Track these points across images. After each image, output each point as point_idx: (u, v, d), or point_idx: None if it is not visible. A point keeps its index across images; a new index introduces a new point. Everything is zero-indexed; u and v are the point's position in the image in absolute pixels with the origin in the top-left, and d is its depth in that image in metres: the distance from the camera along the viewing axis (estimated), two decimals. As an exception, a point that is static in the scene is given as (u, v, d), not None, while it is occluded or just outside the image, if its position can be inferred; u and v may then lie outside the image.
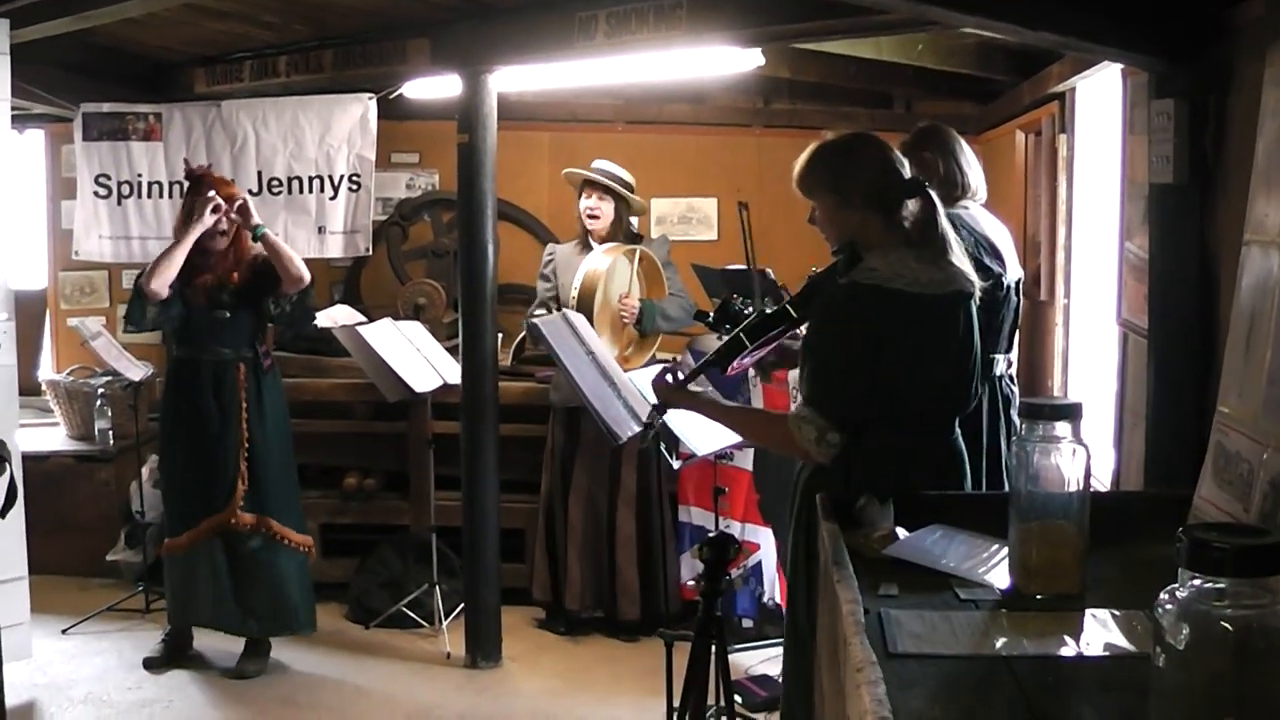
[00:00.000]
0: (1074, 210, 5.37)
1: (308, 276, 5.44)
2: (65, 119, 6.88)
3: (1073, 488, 2.55)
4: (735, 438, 4.97)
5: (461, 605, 6.11)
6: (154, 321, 5.46)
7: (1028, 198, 5.99)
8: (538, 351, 6.46)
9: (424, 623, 6.13)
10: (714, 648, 3.39)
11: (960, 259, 3.29)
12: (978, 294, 3.32)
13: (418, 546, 6.31)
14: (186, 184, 5.55)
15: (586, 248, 6.09)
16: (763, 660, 5.60)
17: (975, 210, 4.31)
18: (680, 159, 7.50)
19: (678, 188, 7.52)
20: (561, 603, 6.15)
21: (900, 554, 2.81)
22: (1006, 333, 4.34)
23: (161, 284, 5.32)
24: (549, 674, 5.69)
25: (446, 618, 6.03)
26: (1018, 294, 4.38)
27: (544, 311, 5.98)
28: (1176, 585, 1.70)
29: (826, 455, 3.18)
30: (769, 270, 5.18)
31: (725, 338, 3.50)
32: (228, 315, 5.44)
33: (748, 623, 5.91)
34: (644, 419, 4.30)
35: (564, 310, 4.97)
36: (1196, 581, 1.67)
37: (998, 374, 4.28)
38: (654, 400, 4.70)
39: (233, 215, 5.36)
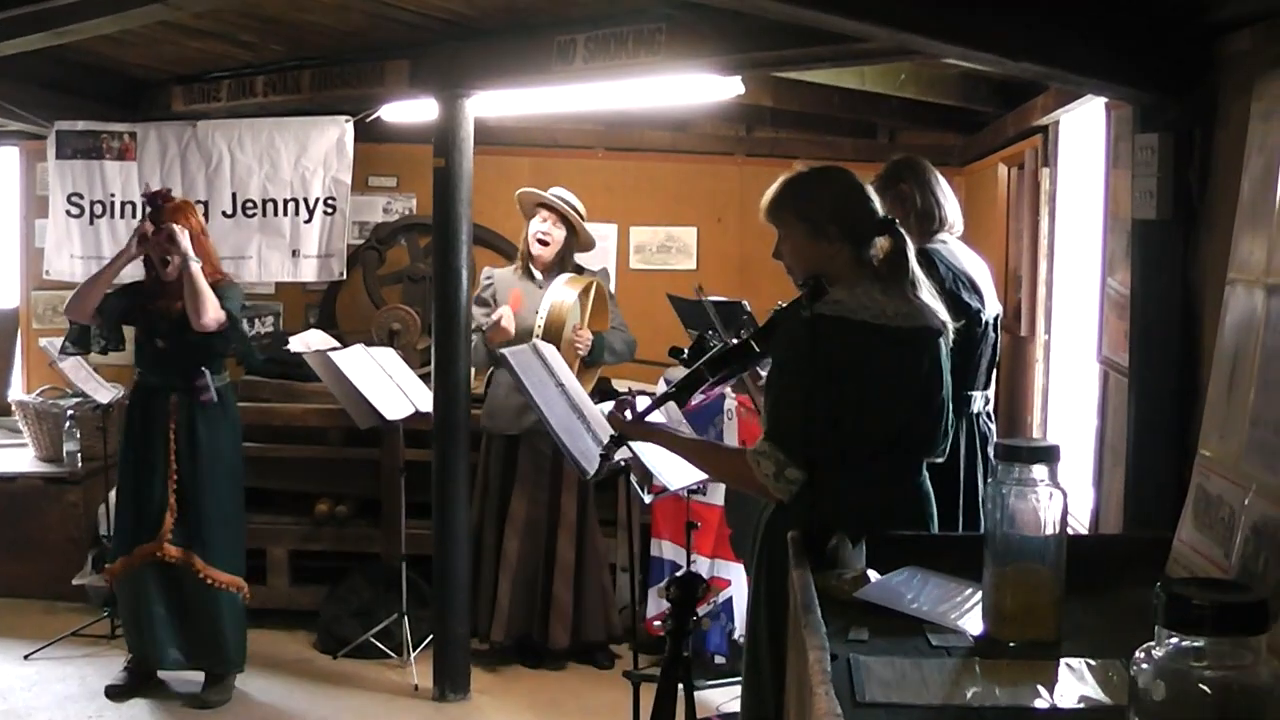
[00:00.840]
0: (1055, 244, 5.32)
1: (214, 322, 5.28)
2: (40, 136, 6.81)
3: (1049, 531, 2.48)
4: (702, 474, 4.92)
5: (430, 636, 6.02)
6: (84, 345, 5.49)
7: (1009, 231, 5.94)
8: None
9: (392, 653, 6.03)
10: (681, 687, 3.29)
11: (929, 297, 3.24)
12: (950, 332, 3.26)
13: (388, 575, 6.21)
14: (144, 206, 5.48)
15: (528, 274, 6.01)
16: (733, 698, 5.50)
17: (953, 244, 4.26)
18: (661, 186, 7.45)
19: (658, 216, 7.47)
20: (483, 632, 6.03)
21: (871, 597, 2.73)
22: (984, 369, 4.28)
23: (79, 310, 5.36)
24: (518, 707, 5.60)
25: (415, 648, 5.92)
26: (996, 330, 4.33)
27: (478, 336, 5.88)
28: (1153, 643, 1.63)
29: (785, 492, 3.11)
30: (745, 302, 5.11)
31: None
32: (160, 345, 5.37)
33: (719, 659, 5.81)
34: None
35: (534, 341, 4.89)
36: (1174, 639, 1.60)
37: (975, 411, 4.22)
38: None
39: (164, 244, 5.27)
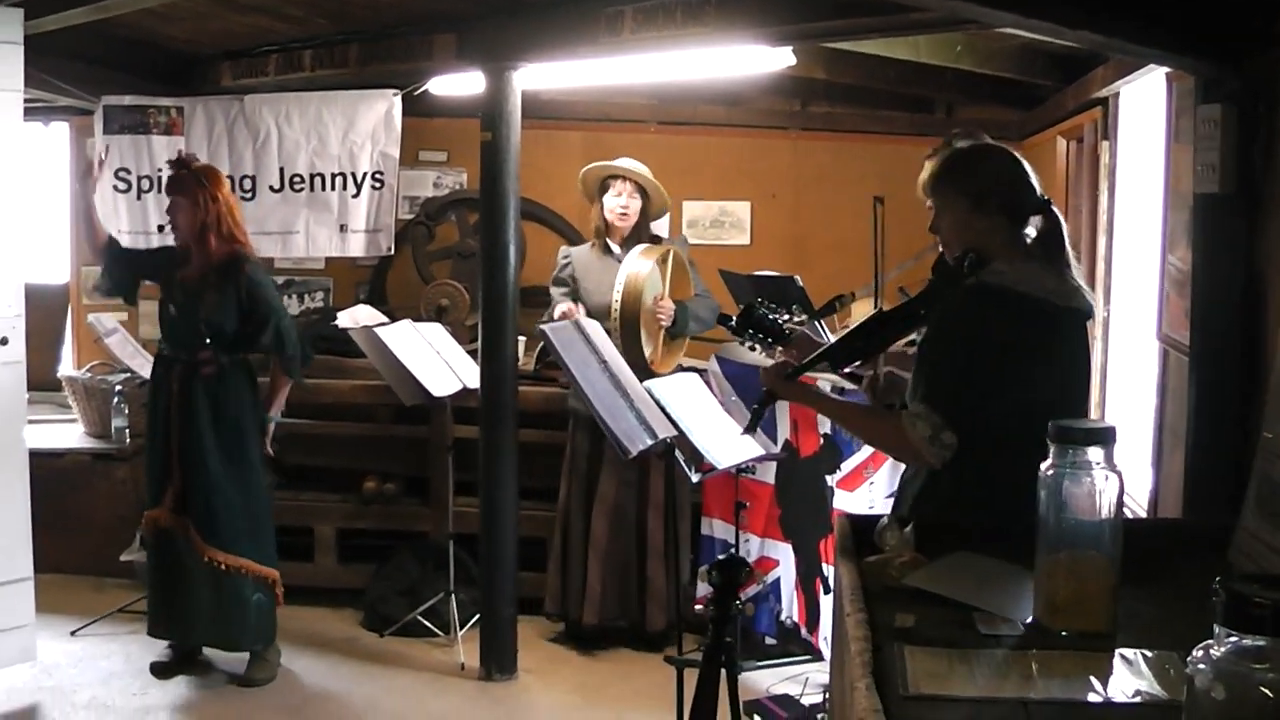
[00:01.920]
0: (1115, 220, 5.19)
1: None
2: (89, 111, 6.79)
3: (1104, 516, 2.38)
4: (758, 450, 4.84)
5: (478, 615, 5.98)
6: (104, 288, 5.61)
7: (1068, 206, 5.80)
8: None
9: (439, 632, 5.99)
10: (724, 674, 3.22)
11: (1080, 279, 3.21)
12: (1093, 312, 3.26)
13: (436, 553, 6.17)
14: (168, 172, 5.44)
15: (606, 250, 5.92)
16: (783, 680, 5.43)
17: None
18: (714, 161, 7.36)
19: (711, 191, 7.38)
20: (574, 616, 5.97)
21: (921, 584, 2.65)
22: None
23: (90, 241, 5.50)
24: (565, 688, 5.54)
25: (463, 627, 5.88)
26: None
27: (572, 305, 5.83)
28: (1212, 641, 1.53)
29: (939, 457, 3.06)
30: (798, 278, 5.02)
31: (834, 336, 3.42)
32: (173, 311, 5.33)
33: (770, 640, 5.73)
34: (658, 432, 4.18)
35: (577, 317, 4.81)
36: (1234, 639, 1.51)
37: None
38: (674, 411, 4.59)
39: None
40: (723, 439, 4.60)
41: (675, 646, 5.80)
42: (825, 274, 6.40)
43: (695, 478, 4.60)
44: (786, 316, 3.73)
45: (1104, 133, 5.22)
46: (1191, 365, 3.59)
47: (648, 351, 5.62)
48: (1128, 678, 2.17)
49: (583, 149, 7.12)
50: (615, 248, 5.89)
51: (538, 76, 5.59)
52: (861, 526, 2.91)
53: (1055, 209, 3.25)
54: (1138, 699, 2.07)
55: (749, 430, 3.61)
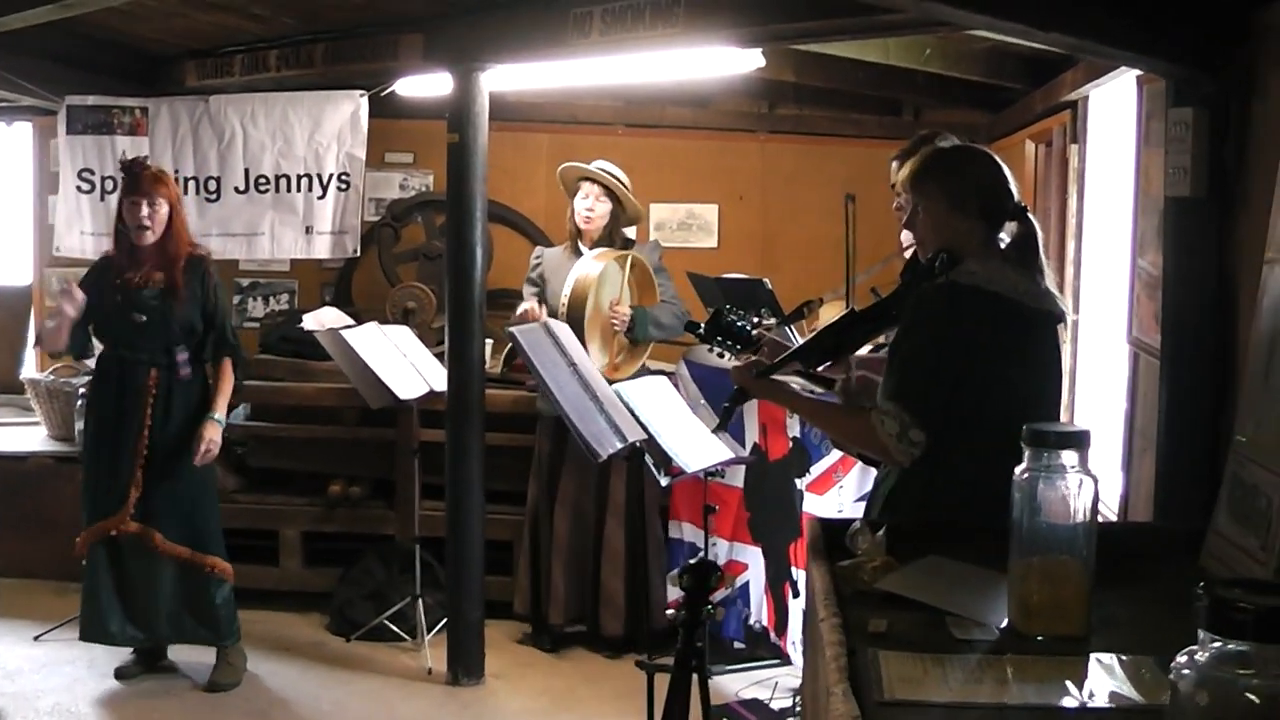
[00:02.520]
0: (1084, 223, 5.19)
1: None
2: (53, 111, 6.72)
3: (1078, 520, 2.37)
4: (727, 453, 4.83)
5: (444, 619, 5.94)
6: (75, 351, 5.45)
7: (1036, 209, 5.79)
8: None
9: (406, 636, 5.95)
10: (695, 678, 3.19)
11: (1052, 285, 3.23)
12: (1064, 317, 3.27)
13: (402, 557, 6.12)
14: (121, 176, 5.36)
15: (577, 252, 5.90)
16: (752, 684, 5.42)
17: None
18: (681, 164, 7.34)
19: (678, 193, 7.37)
20: (544, 618, 5.96)
21: (894, 588, 2.64)
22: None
23: (53, 346, 5.36)
24: (533, 693, 5.51)
25: (430, 631, 5.84)
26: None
27: (534, 304, 5.81)
28: (1195, 647, 1.52)
29: (907, 455, 3.06)
30: (766, 280, 5.00)
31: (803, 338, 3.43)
32: (144, 319, 5.23)
33: (737, 645, 5.71)
34: (627, 435, 4.15)
35: (544, 319, 4.78)
36: (1217, 644, 1.49)
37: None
38: (642, 414, 4.57)
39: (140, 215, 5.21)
40: (692, 442, 4.58)
41: (635, 652, 5.85)
42: (793, 276, 6.40)
43: (664, 481, 4.57)
44: (756, 321, 3.72)
45: (1073, 136, 5.22)
46: (1163, 368, 3.59)
47: (593, 353, 5.58)
48: (1103, 682, 2.16)
49: (550, 151, 7.09)
50: (585, 250, 5.86)
51: (505, 78, 5.55)
52: (833, 530, 2.90)
53: (1031, 216, 3.27)
54: (1114, 704, 2.07)
55: (720, 429, 3.60)
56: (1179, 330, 3.49)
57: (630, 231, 6.04)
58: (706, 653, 4.53)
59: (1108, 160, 5.03)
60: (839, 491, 5.10)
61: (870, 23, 4.08)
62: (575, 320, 5.49)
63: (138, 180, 5.21)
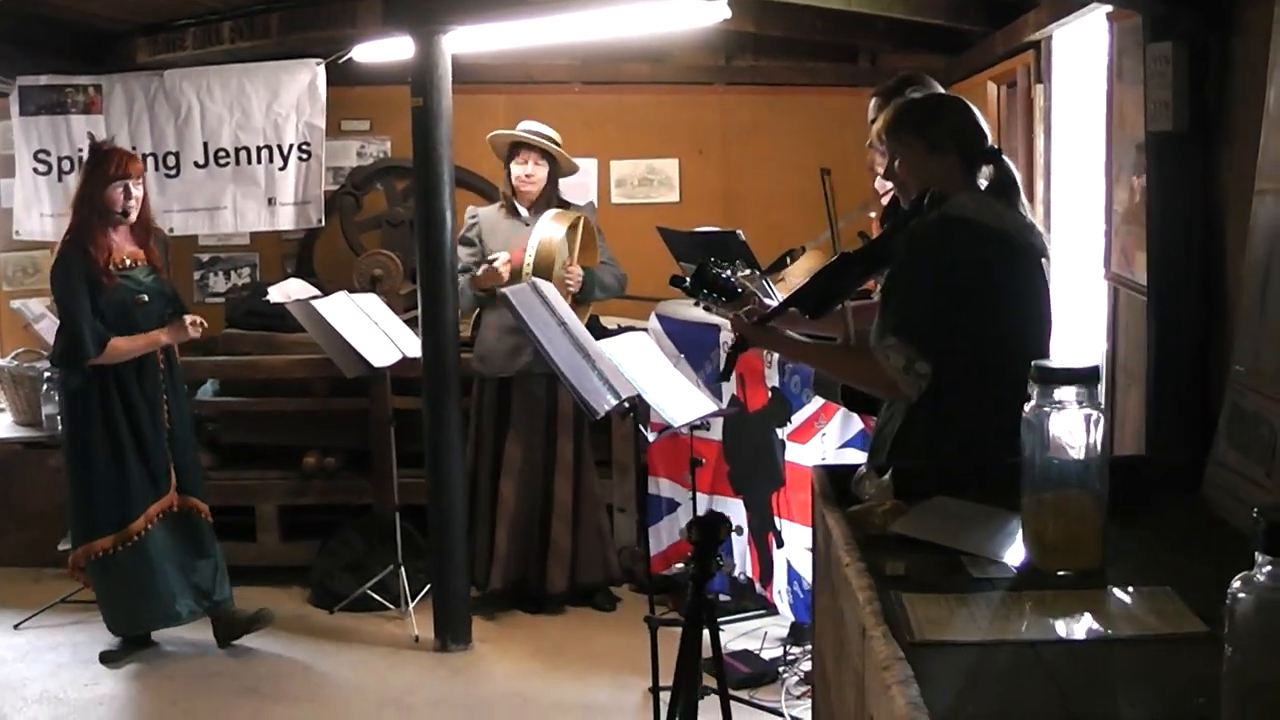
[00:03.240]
0: (1052, 162, 5.21)
1: None
2: (3, 94, 6.60)
3: (1090, 456, 2.39)
4: (711, 406, 4.83)
5: (428, 586, 5.93)
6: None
7: (1002, 150, 5.81)
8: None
9: (390, 605, 5.93)
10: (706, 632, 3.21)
11: (1037, 220, 3.29)
12: (1049, 251, 3.31)
13: (381, 526, 6.10)
14: (89, 158, 5.30)
15: (513, 212, 5.88)
16: (740, 635, 5.45)
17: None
18: (640, 119, 7.31)
19: (638, 149, 7.34)
20: (480, 580, 5.96)
21: (909, 530, 2.65)
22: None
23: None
24: (522, 655, 5.51)
25: (413, 599, 5.83)
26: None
27: (466, 278, 5.78)
28: (1252, 571, 1.53)
29: (914, 387, 3.08)
30: (740, 232, 4.99)
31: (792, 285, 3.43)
32: (145, 299, 5.22)
33: (723, 598, 5.72)
34: (620, 392, 4.14)
35: (533, 279, 4.75)
36: (1273, 567, 1.51)
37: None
38: (627, 371, 4.56)
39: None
40: (676, 397, 4.57)
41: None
42: (758, 227, 6.36)
43: (651, 437, 4.57)
44: (740, 273, 3.71)
45: (1037, 76, 5.23)
46: (1150, 303, 3.61)
47: None
48: (1125, 614, 2.19)
49: (507, 112, 7.02)
50: (523, 210, 5.87)
51: (467, 39, 5.49)
52: (838, 476, 2.91)
53: (1006, 158, 3.30)
54: (1137, 633, 2.09)
55: (723, 378, 3.60)
56: (1165, 265, 3.51)
57: (577, 188, 6.05)
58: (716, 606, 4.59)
59: (1073, 99, 5.06)
60: (821, 439, 5.10)
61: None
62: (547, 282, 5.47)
63: (121, 162, 5.16)
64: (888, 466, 2.85)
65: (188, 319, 5.27)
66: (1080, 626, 2.14)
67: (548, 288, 4.53)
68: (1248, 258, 2.87)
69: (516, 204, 5.88)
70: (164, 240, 5.43)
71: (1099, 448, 2.40)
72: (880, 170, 5.16)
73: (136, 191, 5.18)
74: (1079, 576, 2.36)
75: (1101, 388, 2.43)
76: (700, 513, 5.47)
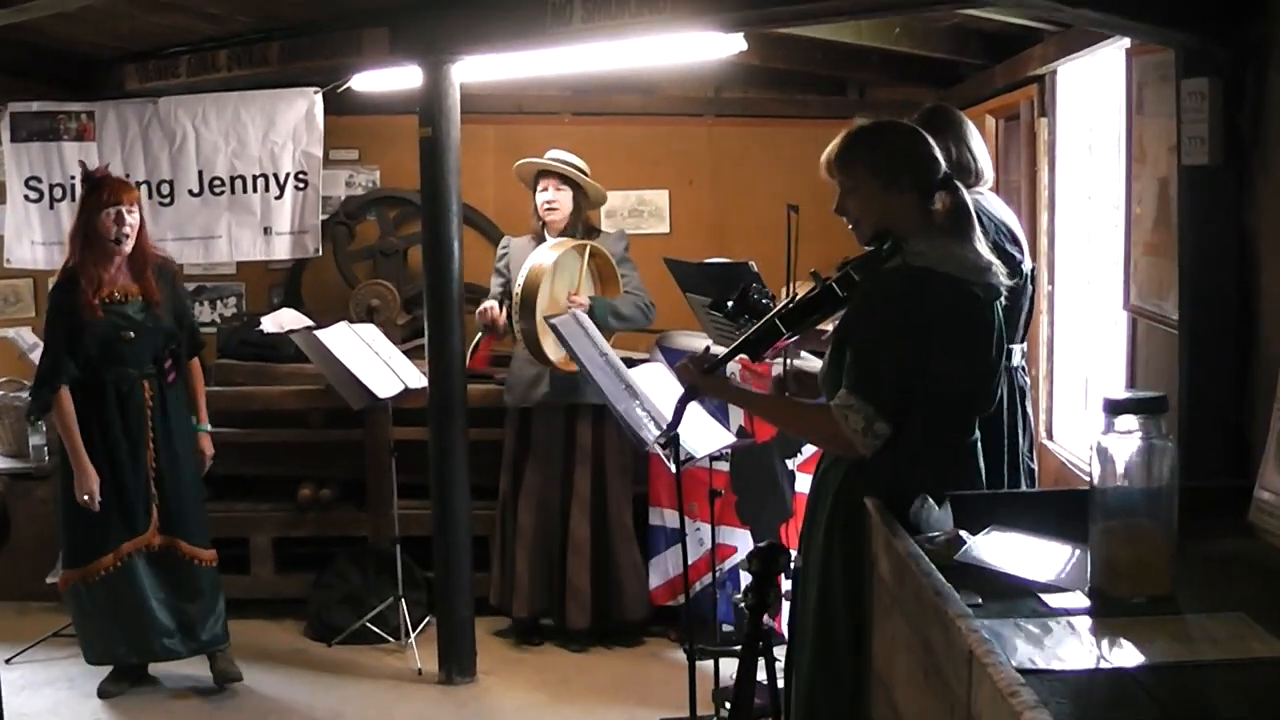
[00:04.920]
0: (1056, 196, 5.27)
1: None
2: (-7, 121, 6.53)
3: (1159, 484, 2.42)
4: (730, 438, 4.84)
5: (427, 619, 5.90)
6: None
7: (998, 184, 5.87)
8: (498, 351, 6.26)
9: (389, 638, 5.87)
10: (763, 662, 3.20)
11: (990, 252, 3.20)
12: (1004, 289, 3.21)
13: (378, 558, 6.05)
14: (83, 186, 5.25)
15: (540, 241, 5.87)
16: (748, 665, 5.43)
17: (989, 197, 4.18)
18: (630, 150, 7.32)
19: (628, 180, 7.33)
20: (506, 608, 5.95)
21: (974, 560, 2.67)
22: (1023, 322, 4.21)
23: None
24: (529, 687, 5.47)
25: (413, 631, 5.78)
26: (1032, 282, 4.26)
27: (494, 304, 5.79)
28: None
29: (871, 447, 3.06)
30: (752, 263, 5.00)
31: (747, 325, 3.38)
32: (133, 335, 5.12)
33: (727, 627, 5.72)
34: (660, 421, 4.14)
35: (574, 311, 4.75)
36: None
37: (1014, 364, 4.14)
38: (649, 403, 4.56)
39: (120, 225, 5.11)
40: (695, 429, 4.58)
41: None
42: (747, 258, 6.41)
43: (673, 468, 4.55)
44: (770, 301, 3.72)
45: (1040, 110, 5.30)
46: (1183, 335, 3.65)
47: (547, 345, 5.54)
48: (1210, 639, 2.21)
49: (497, 143, 7.05)
50: (549, 239, 5.84)
51: (476, 69, 5.48)
52: (895, 507, 2.92)
53: (959, 184, 3.23)
54: (1230, 657, 2.12)
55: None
56: (1198, 295, 3.56)
57: (602, 222, 6.04)
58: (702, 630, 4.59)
59: (1078, 132, 5.12)
60: (832, 470, 5.13)
61: (866, 2, 4.09)
62: (528, 310, 5.47)
63: (114, 189, 5.09)
64: (944, 497, 2.87)
65: (207, 453, 5.42)
66: (1168, 651, 2.16)
67: (586, 319, 4.53)
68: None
69: (545, 233, 5.87)
70: (172, 271, 5.30)
71: (1167, 476, 2.43)
72: None
73: (130, 219, 5.07)
74: (1151, 603, 2.38)
75: (1167, 418, 2.45)
76: (706, 543, 5.54)
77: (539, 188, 5.85)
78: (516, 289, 5.55)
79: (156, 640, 5.24)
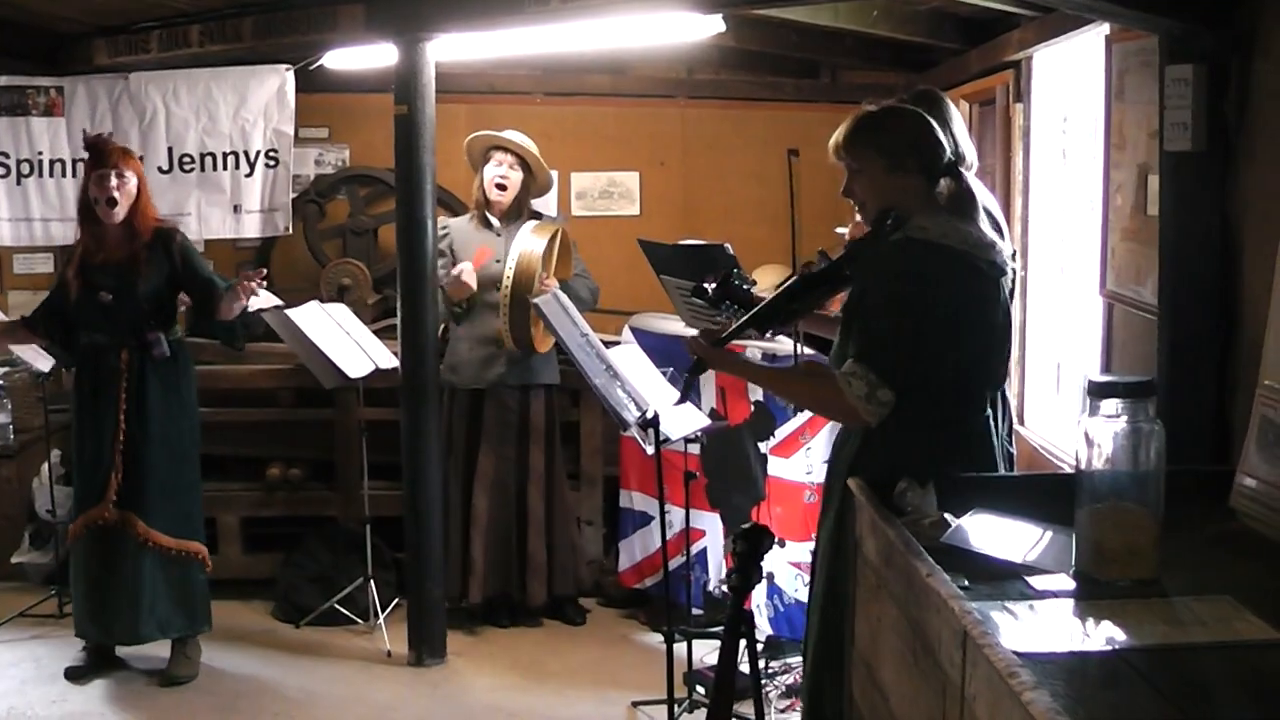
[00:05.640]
0: (1031, 181, 5.29)
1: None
2: (-39, 95, 6.43)
3: (1147, 467, 2.43)
4: (704, 420, 4.83)
5: (395, 600, 5.88)
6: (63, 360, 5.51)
7: (958, 162, 5.88)
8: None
9: (358, 619, 5.84)
10: (745, 644, 3.20)
11: (993, 235, 3.24)
12: (1008, 269, 3.25)
13: (347, 538, 6.02)
14: (86, 154, 5.17)
15: (485, 223, 5.83)
16: (712, 650, 5.42)
17: (971, 181, 4.17)
18: (601, 131, 7.29)
19: (599, 161, 7.31)
20: (456, 594, 5.88)
21: (958, 542, 2.68)
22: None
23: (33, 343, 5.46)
24: (500, 669, 5.46)
25: (382, 612, 5.76)
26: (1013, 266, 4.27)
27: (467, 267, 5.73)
28: None
29: (876, 415, 3.09)
30: (728, 245, 4.99)
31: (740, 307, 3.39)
32: (109, 298, 5.07)
33: (696, 611, 5.71)
34: (641, 404, 4.13)
35: (554, 291, 4.73)
36: None
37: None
38: (630, 384, 4.55)
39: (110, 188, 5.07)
40: (670, 410, 4.57)
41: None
42: (719, 237, 6.40)
43: (649, 450, 4.55)
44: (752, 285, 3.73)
45: (1016, 95, 5.31)
46: (1163, 320, 3.67)
47: (537, 333, 5.58)
48: (1197, 621, 2.23)
49: (467, 122, 6.98)
50: (494, 221, 5.81)
51: (450, 47, 5.45)
52: (879, 489, 2.92)
53: (963, 170, 3.32)
54: (1220, 640, 2.13)
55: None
56: (1180, 281, 3.57)
57: (540, 204, 6.02)
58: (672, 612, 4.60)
59: (1055, 119, 5.13)
60: (806, 454, 5.13)
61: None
62: (521, 297, 5.44)
63: (104, 154, 5.04)
64: (927, 479, 2.87)
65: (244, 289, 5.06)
66: (1157, 634, 2.17)
67: (566, 299, 4.51)
68: (1277, 273, 2.92)
69: (489, 214, 5.82)
70: (171, 239, 5.18)
71: (1154, 460, 2.44)
72: None
73: (116, 183, 5.01)
74: (1137, 585, 2.40)
75: (1155, 402, 2.46)
76: (676, 527, 5.54)
77: (493, 162, 5.81)
78: (507, 276, 5.48)
79: (84, 620, 5.21)
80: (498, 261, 5.63)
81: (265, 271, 5.14)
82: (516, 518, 5.88)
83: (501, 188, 5.78)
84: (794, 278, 3.38)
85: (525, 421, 5.82)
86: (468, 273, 5.61)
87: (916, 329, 3.06)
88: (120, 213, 5.05)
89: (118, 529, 5.11)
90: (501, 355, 5.69)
